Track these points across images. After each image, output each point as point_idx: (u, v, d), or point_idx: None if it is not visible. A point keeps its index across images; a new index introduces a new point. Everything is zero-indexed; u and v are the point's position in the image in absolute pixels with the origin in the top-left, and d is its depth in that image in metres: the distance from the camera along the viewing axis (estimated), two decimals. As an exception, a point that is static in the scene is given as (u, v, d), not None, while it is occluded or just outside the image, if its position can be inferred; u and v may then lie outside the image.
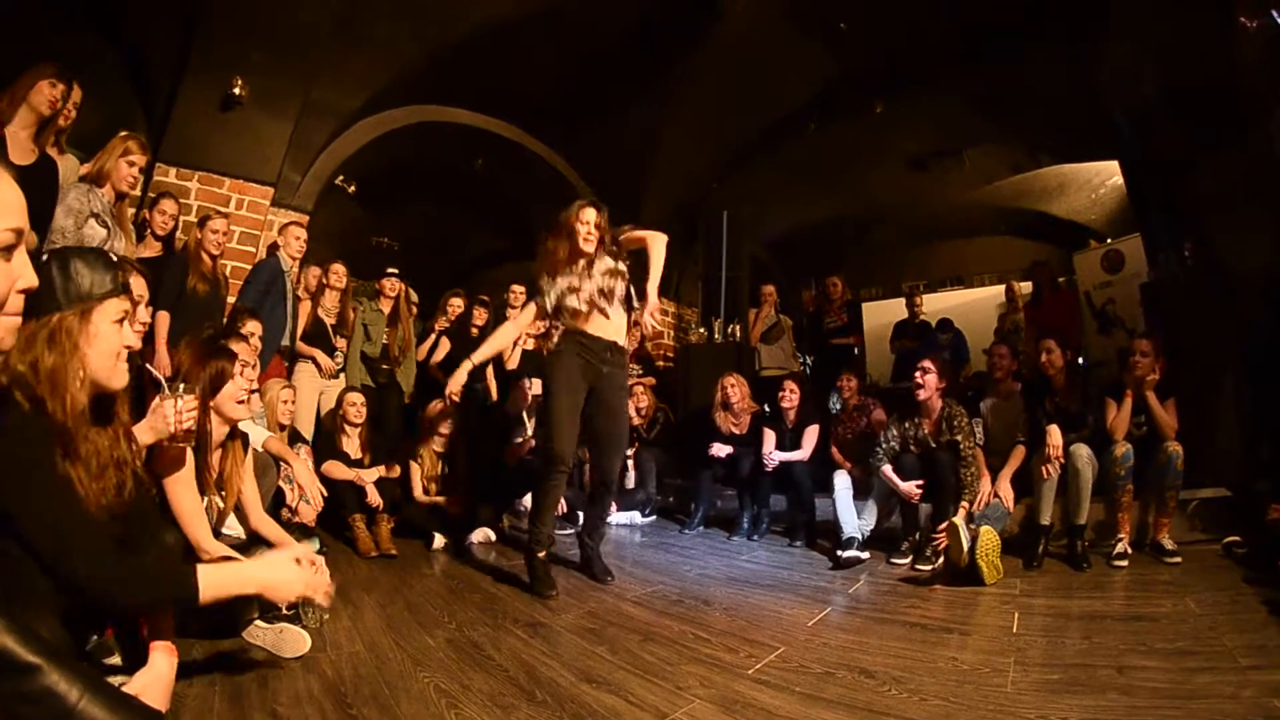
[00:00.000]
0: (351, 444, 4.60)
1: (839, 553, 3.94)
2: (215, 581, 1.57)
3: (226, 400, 2.54)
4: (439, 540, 4.33)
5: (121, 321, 1.60)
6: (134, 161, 3.65)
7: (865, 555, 3.99)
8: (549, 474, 3.45)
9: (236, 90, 5.31)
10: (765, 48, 6.74)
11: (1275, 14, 3.96)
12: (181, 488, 2.14)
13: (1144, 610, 2.89)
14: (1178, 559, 3.68)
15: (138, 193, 5.01)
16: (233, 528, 2.73)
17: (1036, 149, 8.92)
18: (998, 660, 2.28)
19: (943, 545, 3.56)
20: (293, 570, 1.74)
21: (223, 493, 2.56)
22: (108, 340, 1.57)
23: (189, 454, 2.17)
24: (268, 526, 2.70)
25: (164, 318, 4.04)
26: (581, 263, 3.58)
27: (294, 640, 2.21)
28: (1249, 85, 4.35)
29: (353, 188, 7.23)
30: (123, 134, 3.69)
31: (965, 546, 3.35)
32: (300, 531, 2.99)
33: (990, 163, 9.30)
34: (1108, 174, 8.81)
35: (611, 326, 3.59)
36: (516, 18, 5.99)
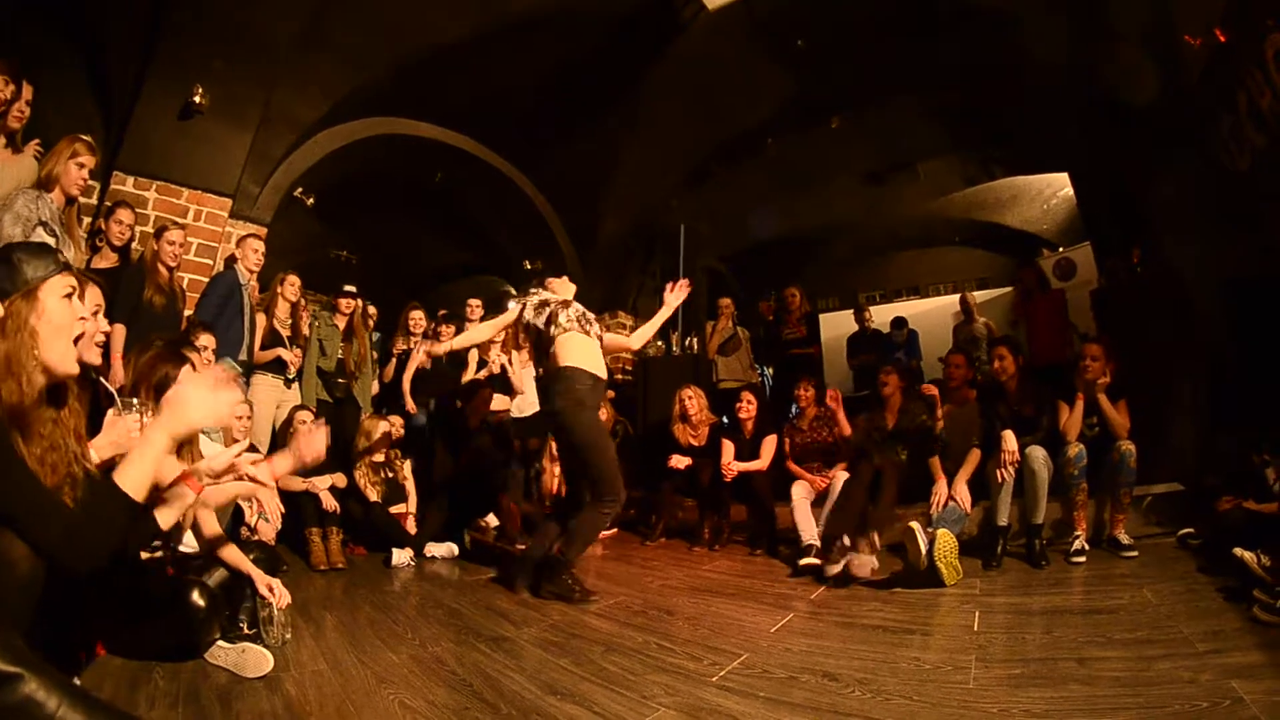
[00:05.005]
0: (301, 459, 4.52)
1: (799, 560, 3.96)
2: (133, 473, 1.56)
3: None
4: (398, 555, 4.27)
5: (70, 296, 1.60)
6: (83, 164, 3.57)
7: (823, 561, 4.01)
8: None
9: (197, 99, 5.20)
10: (724, 66, 6.82)
11: (1216, 31, 4.09)
12: None
13: (1103, 603, 2.94)
14: (1134, 553, 3.76)
15: (92, 200, 4.92)
16: (189, 545, 2.68)
17: (989, 161, 9.12)
18: (960, 658, 2.30)
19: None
20: (194, 392, 1.68)
21: None
22: (59, 315, 1.57)
23: None
24: (224, 546, 2.66)
25: (120, 330, 3.94)
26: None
27: (256, 660, 2.19)
28: (1193, 98, 4.50)
29: (311, 200, 7.12)
30: (71, 136, 3.60)
31: (923, 549, 3.37)
32: (259, 549, 2.93)
33: (944, 176, 9.50)
34: (1059, 185, 9.04)
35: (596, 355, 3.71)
36: (483, 35, 5.98)
